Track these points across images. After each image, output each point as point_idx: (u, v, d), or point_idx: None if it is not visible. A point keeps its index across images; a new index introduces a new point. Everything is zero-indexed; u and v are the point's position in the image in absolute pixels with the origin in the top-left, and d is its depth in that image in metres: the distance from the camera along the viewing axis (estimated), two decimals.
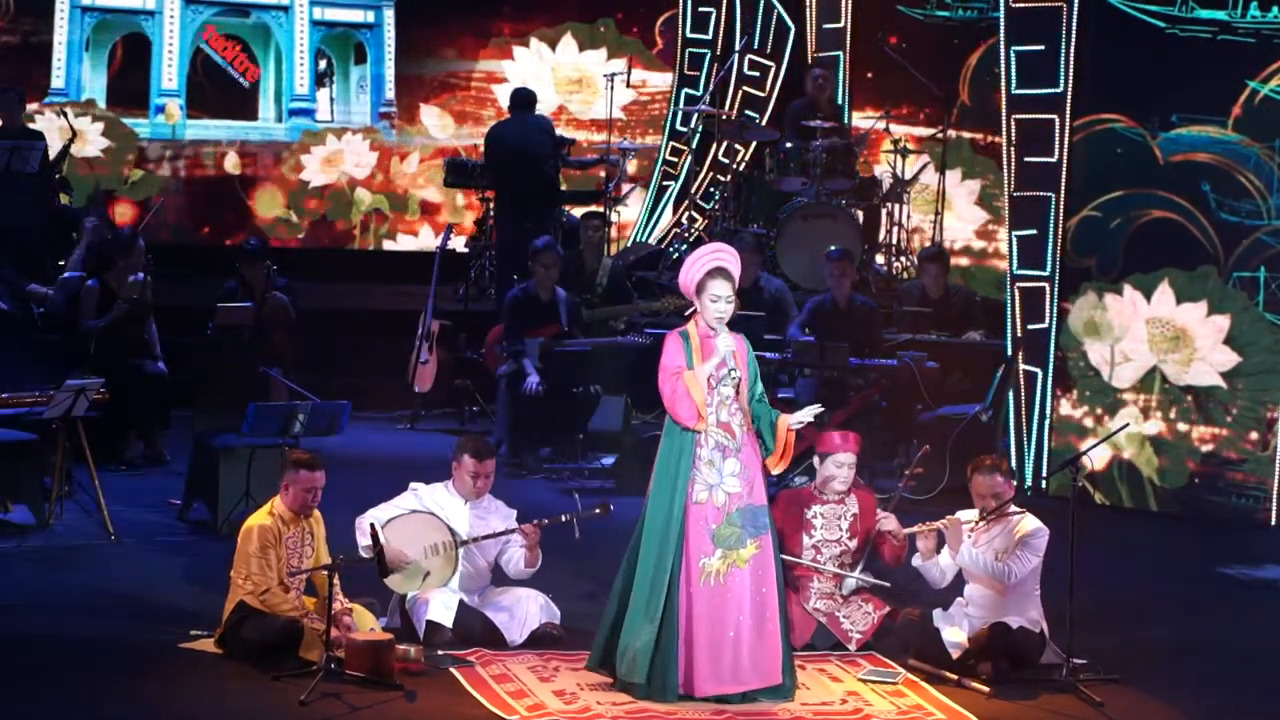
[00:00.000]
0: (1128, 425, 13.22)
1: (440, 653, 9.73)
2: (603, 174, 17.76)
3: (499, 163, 16.74)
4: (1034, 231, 13.80)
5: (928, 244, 16.83)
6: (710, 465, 9.21)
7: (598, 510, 10.22)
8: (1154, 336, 13.48)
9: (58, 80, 18.35)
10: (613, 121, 18.30)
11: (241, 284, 14.74)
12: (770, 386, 13.04)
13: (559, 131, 17.73)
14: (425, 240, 18.90)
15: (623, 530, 9.54)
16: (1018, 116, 13.86)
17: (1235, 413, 13.27)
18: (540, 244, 14.72)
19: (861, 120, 17.99)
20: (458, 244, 17.39)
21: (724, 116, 17.95)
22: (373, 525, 9.87)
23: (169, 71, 18.66)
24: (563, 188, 17.45)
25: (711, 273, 9.22)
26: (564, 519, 10.23)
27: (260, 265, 14.70)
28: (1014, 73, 13.82)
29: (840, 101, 17.79)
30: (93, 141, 18.38)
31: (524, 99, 16.85)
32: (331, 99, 19.26)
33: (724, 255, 9.32)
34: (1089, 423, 13.62)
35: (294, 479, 9.78)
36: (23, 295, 14.98)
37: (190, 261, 17.16)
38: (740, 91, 18.66)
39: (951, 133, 17.35)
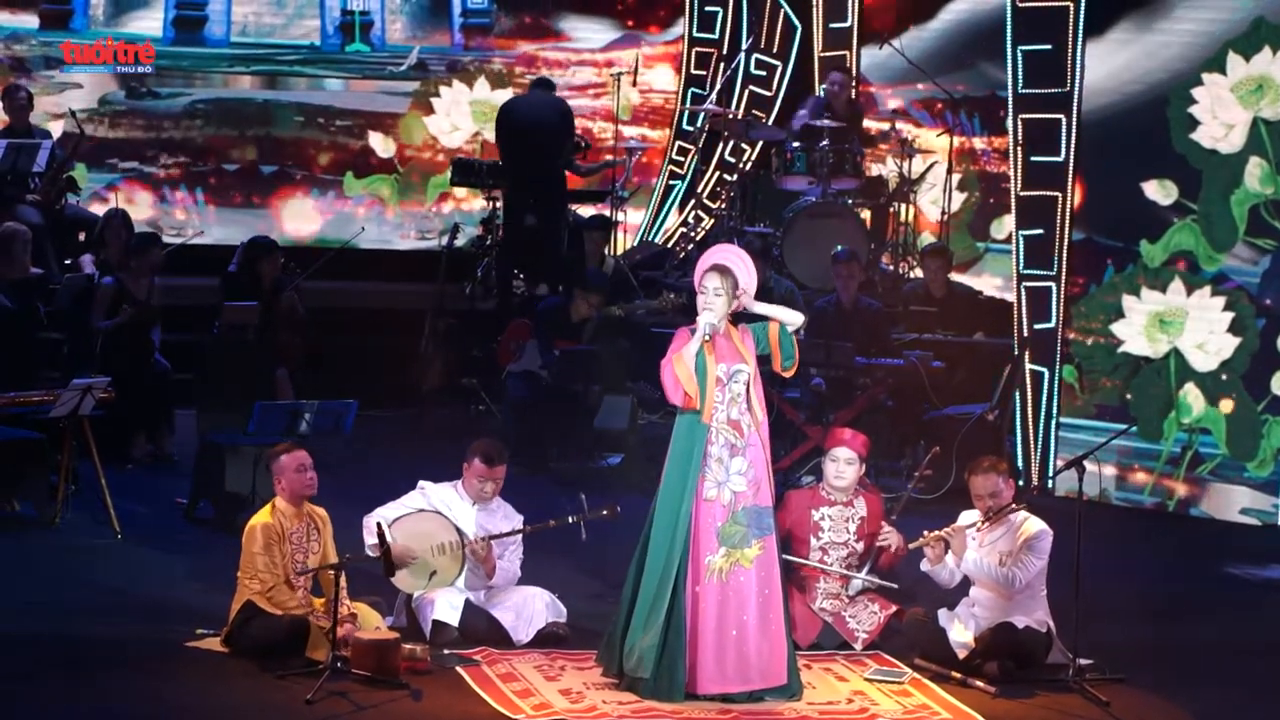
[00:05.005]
0: (1132, 428, 13.20)
1: (446, 652, 9.73)
2: (608, 174, 17.76)
3: (508, 137, 16.87)
4: (1041, 231, 13.78)
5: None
6: (719, 463, 9.22)
7: (605, 512, 10.21)
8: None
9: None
10: (619, 120, 18.31)
11: (251, 278, 14.69)
12: (779, 385, 13.07)
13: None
14: (431, 239, 18.91)
15: (631, 529, 9.53)
16: (1024, 116, 13.85)
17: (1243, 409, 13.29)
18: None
19: (871, 121, 17.97)
20: (464, 242, 17.42)
21: (730, 116, 17.94)
22: (379, 524, 9.87)
23: None
24: (573, 171, 17.49)
25: (710, 269, 9.29)
26: (571, 520, 10.22)
27: (273, 259, 14.69)
28: (1020, 72, 13.81)
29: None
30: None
31: (543, 80, 17.31)
32: None
33: (724, 253, 9.42)
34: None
35: (280, 467, 9.84)
36: (41, 289, 14.89)
37: (195, 261, 17.15)
38: (747, 91, 18.65)
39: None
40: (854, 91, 17.51)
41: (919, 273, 16.00)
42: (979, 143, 17.23)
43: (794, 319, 9.36)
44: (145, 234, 15.17)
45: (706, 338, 9.19)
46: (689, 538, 9.17)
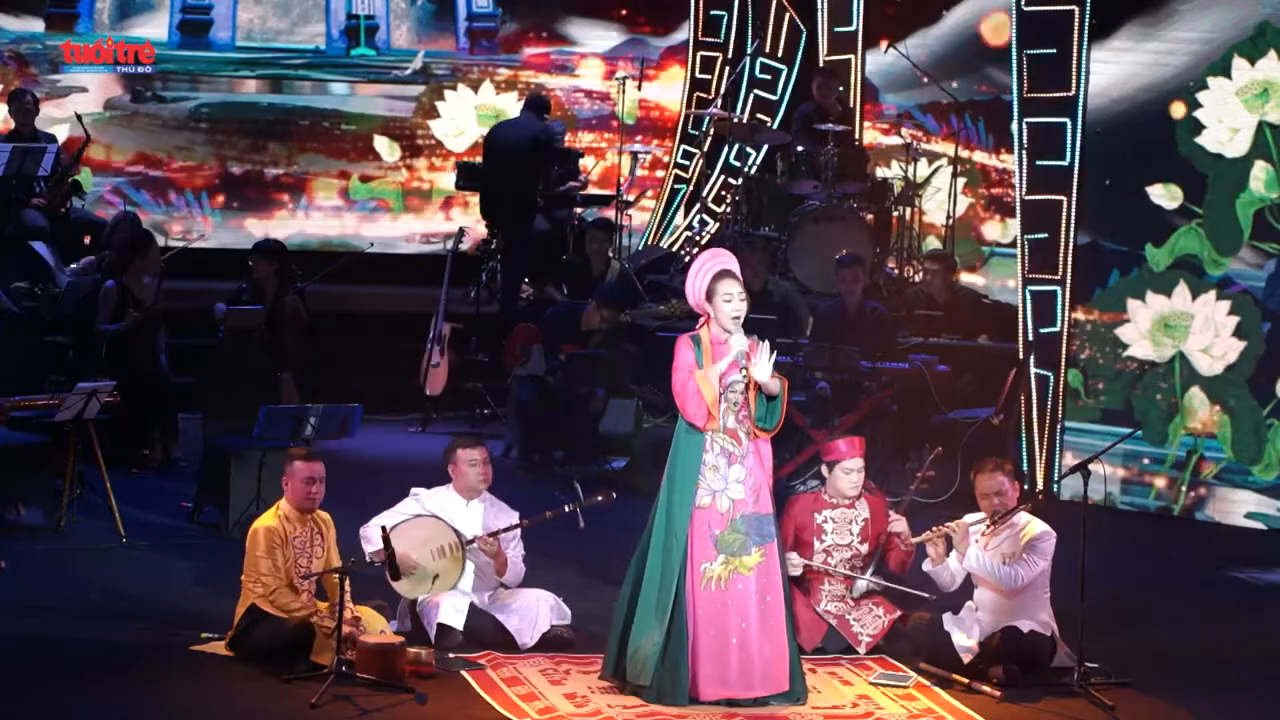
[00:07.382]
0: (1136, 432, 13.19)
1: (451, 655, 9.74)
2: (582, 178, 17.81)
3: (487, 158, 17.05)
4: (1045, 235, 13.78)
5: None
6: (715, 471, 9.20)
7: (600, 498, 10.23)
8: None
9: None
10: (623, 125, 18.31)
11: (253, 284, 14.70)
12: None
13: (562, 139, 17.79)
14: (436, 243, 18.93)
15: (634, 531, 9.53)
16: (1029, 120, 13.85)
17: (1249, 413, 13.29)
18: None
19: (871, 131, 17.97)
20: (468, 246, 17.43)
21: (735, 120, 17.95)
22: (383, 529, 9.86)
23: None
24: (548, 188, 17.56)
25: (718, 276, 9.24)
26: (567, 509, 10.23)
27: (271, 263, 14.68)
28: (1025, 76, 13.81)
29: (852, 105, 17.74)
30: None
31: (534, 102, 17.14)
32: None
33: (724, 258, 9.36)
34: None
35: (291, 472, 9.82)
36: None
37: (199, 265, 17.16)
38: (752, 95, 18.66)
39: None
40: (851, 93, 17.51)
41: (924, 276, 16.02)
42: (983, 149, 17.23)
43: (772, 389, 9.17)
44: (141, 233, 15.18)
45: (743, 366, 9.14)
46: (686, 544, 9.16)
